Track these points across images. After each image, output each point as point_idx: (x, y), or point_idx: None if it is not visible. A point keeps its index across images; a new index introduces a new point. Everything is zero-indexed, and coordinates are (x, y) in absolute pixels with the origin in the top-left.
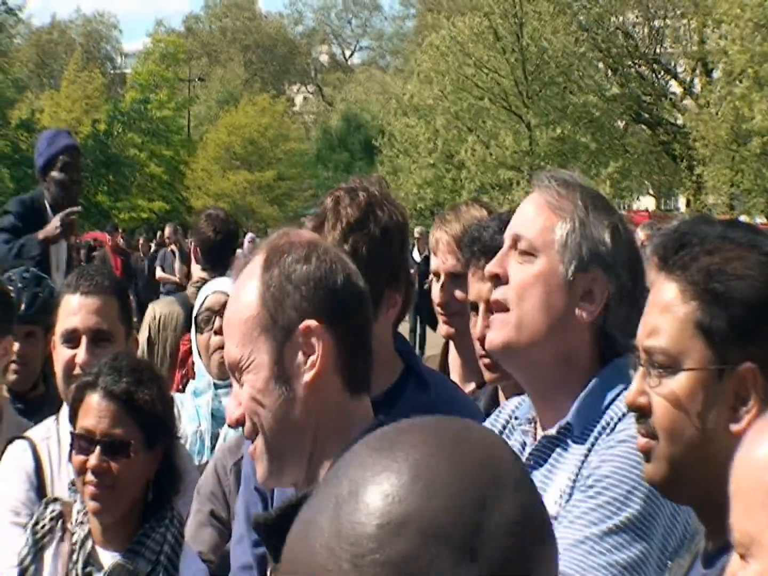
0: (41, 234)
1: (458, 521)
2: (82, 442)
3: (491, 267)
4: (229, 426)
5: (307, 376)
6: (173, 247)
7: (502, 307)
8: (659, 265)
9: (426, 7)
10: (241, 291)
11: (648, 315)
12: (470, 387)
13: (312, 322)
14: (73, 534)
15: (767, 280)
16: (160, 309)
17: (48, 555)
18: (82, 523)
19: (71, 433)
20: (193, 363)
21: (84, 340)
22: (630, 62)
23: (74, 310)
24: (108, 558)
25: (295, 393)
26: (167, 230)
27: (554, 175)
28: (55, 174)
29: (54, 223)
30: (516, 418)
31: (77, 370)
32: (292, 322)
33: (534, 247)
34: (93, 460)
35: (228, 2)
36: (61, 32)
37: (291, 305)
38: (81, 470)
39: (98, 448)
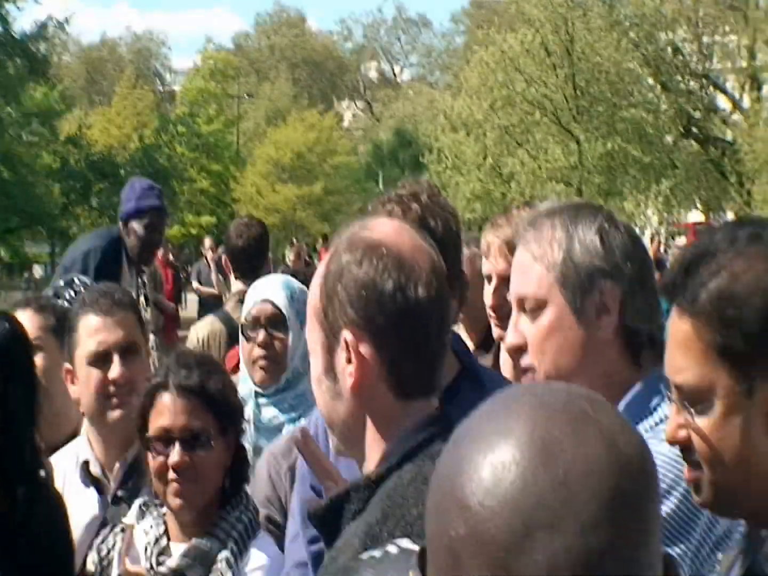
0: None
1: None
2: (158, 444)
3: (511, 340)
4: None
5: (349, 381)
6: (210, 258)
7: (533, 369)
8: (669, 299)
9: (476, 23)
10: (317, 273)
11: (670, 350)
12: None
13: (349, 335)
14: (146, 534)
15: None
16: (202, 332)
17: (114, 568)
18: (157, 525)
19: (145, 438)
20: None
21: (115, 356)
22: (679, 78)
23: (99, 328)
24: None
25: (341, 390)
26: (206, 242)
27: (529, 222)
28: (137, 228)
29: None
30: None
31: (112, 388)
32: (338, 325)
33: (539, 300)
34: (174, 456)
35: (278, 20)
36: (111, 49)
37: (338, 307)
38: (161, 472)
39: (177, 444)
